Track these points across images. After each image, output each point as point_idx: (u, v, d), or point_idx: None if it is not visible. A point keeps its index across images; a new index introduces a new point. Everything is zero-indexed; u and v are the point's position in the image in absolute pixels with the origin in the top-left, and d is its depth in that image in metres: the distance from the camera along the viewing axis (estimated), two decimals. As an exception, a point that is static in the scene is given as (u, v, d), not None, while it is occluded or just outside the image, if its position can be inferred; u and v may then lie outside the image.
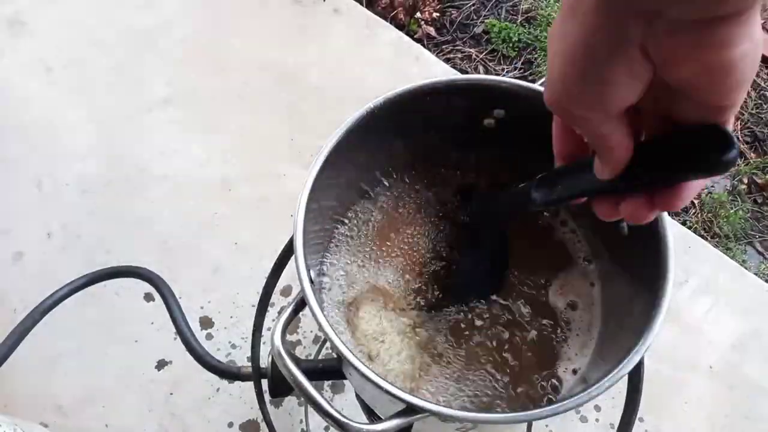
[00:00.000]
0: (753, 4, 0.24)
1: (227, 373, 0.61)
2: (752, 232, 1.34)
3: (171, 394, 0.83)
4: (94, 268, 0.65)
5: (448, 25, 1.57)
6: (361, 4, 1.21)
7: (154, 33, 1.13)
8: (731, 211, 1.34)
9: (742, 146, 1.46)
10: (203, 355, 0.59)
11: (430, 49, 1.25)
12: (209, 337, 0.86)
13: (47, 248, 0.92)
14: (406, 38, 1.15)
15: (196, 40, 1.13)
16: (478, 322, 0.56)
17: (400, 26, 1.47)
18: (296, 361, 0.43)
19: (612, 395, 0.78)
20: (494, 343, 0.56)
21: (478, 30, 1.56)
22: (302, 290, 0.45)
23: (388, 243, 0.60)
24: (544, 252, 0.60)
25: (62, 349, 0.85)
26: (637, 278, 0.50)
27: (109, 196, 0.97)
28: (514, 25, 1.55)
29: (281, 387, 0.53)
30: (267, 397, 0.63)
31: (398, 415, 0.41)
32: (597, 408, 0.83)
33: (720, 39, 0.24)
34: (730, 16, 0.24)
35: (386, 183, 0.62)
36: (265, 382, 0.56)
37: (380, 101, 0.51)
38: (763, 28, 1.42)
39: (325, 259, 0.59)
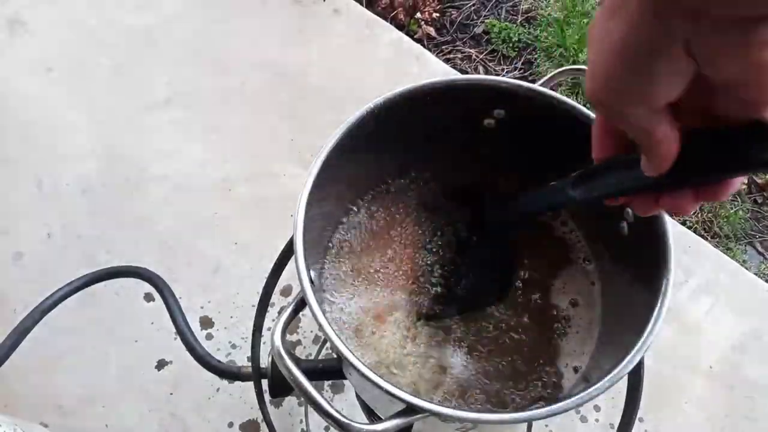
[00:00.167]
0: None
1: (227, 373, 0.61)
2: (752, 232, 1.34)
3: (171, 394, 0.83)
4: (94, 268, 0.65)
5: (448, 26, 1.57)
6: (361, 4, 1.21)
7: (154, 33, 1.13)
8: (731, 211, 1.34)
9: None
10: (203, 355, 0.59)
11: (430, 49, 1.25)
12: (209, 337, 0.86)
13: (47, 248, 0.92)
14: (406, 38, 1.15)
15: (196, 40, 1.13)
16: (479, 321, 0.56)
17: (400, 26, 1.47)
18: (296, 361, 0.43)
19: (612, 395, 0.78)
20: (494, 342, 0.56)
21: (478, 30, 1.56)
22: (302, 290, 0.45)
23: (388, 243, 0.60)
24: (544, 251, 0.60)
25: (62, 349, 0.85)
26: (637, 278, 0.50)
27: (109, 196, 0.97)
28: (514, 25, 1.55)
29: (281, 387, 0.53)
30: (267, 397, 0.63)
31: (398, 415, 0.41)
32: (597, 408, 0.83)
33: (763, 38, 0.25)
34: None
35: (386, 183, 0.62)
36: (265, 382, 0.56)
37: (380, 101, 0.51)
38: None
39: (325, 259, 0.59)
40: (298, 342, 0.87)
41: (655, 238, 0.46)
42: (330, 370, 0.51)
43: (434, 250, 0.59)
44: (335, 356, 0.49)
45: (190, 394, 0.83)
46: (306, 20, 1.16)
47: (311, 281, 0.46)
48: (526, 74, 1.50)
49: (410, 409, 0.41)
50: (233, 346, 0.86)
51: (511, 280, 0.57)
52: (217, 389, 0.83)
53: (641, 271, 0.48)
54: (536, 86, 0.52)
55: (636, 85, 0.28)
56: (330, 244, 0.59)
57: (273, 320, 0.84)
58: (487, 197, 0.57)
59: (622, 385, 0.54)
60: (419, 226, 0.61)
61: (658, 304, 0.44)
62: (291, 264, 0.58)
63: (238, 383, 0.82)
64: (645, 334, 0.43)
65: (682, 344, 0.87)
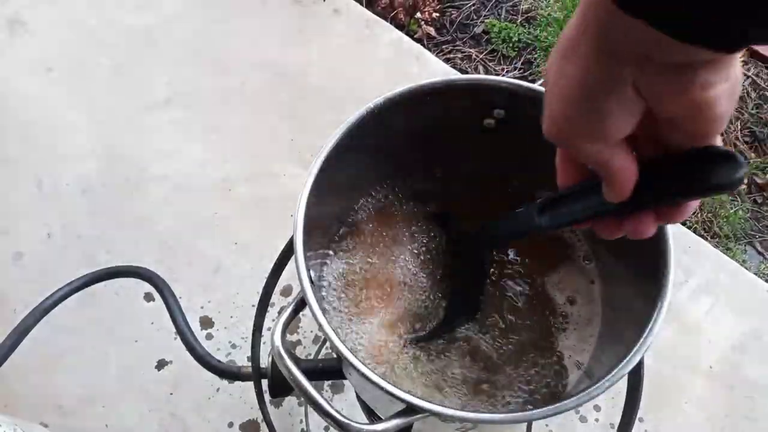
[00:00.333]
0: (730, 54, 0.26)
1: (227, 373, 0.61)
2: (752, 232, 1.34)
3: (171, 394, 0.83)
4: (94, 268, 0.65)
5: (448, 25, 1.57)
6: (361, 4, 1.21)
7: (154, 33, 1.13)
8: (731, 211, 1.34)
9: (741, 146, 1.46)
10: (203, 355, 0.59)
11: (430, 49, 1.25)
12: (209, 337, 0.86)
13: (47, 248, 0.92)
14: (406, 38, 1.15)
15: (196, 40, 1.13)
16: (479, 320, 0.56)
17: (400, 26, 1.47)
18: (296, 361, 0.43)
19: (612, 395, 0.78)
20: (494, 340, 0.56)
21: (478, 30, 1.56)
22: (302, 290, 0.45)
23: (388, 244, 0.60)
24: (544, 250, 0.60)
25: (62, 349, 0.85)
26: (637, 278, 0.50)
27: (109, 196, 0.97)
28: (514, 25, 1.55)
29: (281, 387, 0.53)
30: (267, 397, 0.63)
31: (398, 415, 0.41)
32: (597, 408, 0.83)
33: (701, 81, 0.27)
34: (708, 61, 0.27)
35: (386, 183, 0.62)
36: (265, 382, 0.56)
37: (380, 101, 0.51)
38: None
39: (325, 259, 0.59)
40: (298, 342, 0.87)
41: (655, 238, 0.46)
42: (330, 370, 0.51)
43: (428, 257, 0.59)
44: (335, 356, 0.49)
45: (190, 394, 0.83)
46: (306, 20, 1.16)
47: (311, 281, 0.46)
48: (526, 74, 1.50)
49: (410, 409, 0.41)
50: (233, 346, 0.86)
51: (478, 302, 0.57)
52: (217, 389, 0.83)
53: (641, 270, 0.48)
54: (536, 86, 0.52)
55: (590, 122, 0.30)
56: (330, 244, 0.59)
57: (273, 320, 0.84)
58: (454, 224, 0.57)
59: (622, 385, 0.54)
60: (419, 227, 0.61)
61: (658, 304, 0.44)
62: (291, 264, 0.58)
63: (238, 383, 0.82)
64: (645, 334, 0.43)
65: (682, 344, 0.87)
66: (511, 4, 1.60)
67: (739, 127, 1.48)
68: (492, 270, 0.59)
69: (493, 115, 0.55)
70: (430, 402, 0.41)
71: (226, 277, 0.91)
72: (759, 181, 1.42)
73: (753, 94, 1.54)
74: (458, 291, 0.57)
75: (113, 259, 0.92)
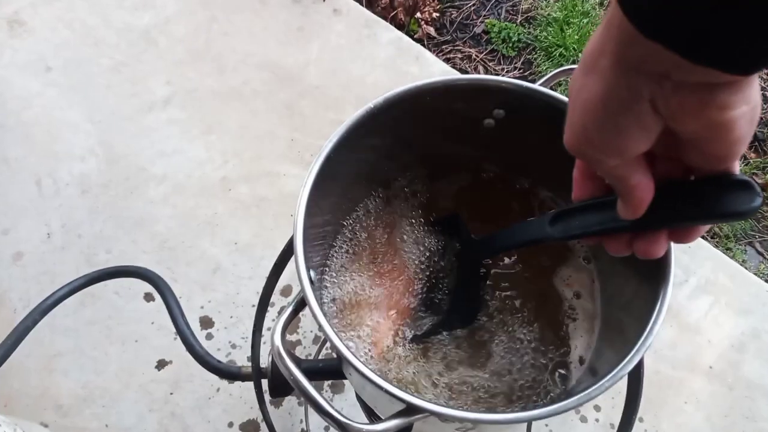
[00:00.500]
0: (749, 76, 0.26)
1: (227, 373, 0.61)
2: (752, 232, 1.34)
3: (171, 394, 0.83)
4: (94, 268, 0.65)
5: (448, 25, 1.57)
6: (361, 4, 1.21)
7: (153, 33, 1.13)
8: (731, 211, 1.33)
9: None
10: (203, 355, 0.59)
11: (430, 49, 1.25)
12: (209, 337, 0.86)
13: (47, 248, 0.92)
14: (406, 38, 1.15)
15: (196, 40, 1.13)
16: (480, 321, 0.56)
17: (400, 26, 1.47)
18: (296, 361, 0.43)
19: (612, 395, 0.78)
20: (494, 339, 0.56)
21: (478, 30, 1.56)
22: (302, 290, 0.45)
23: (388, 244, 0.60)
24: (543, 249, 0.60)
25: (62, 348, 0.85)
26: (637, 278, 0.50)
27: (109, 196, 0.97)
28: (514, 25, 1.55)
29: (281, 387, 0.53)
30: (267, 397, 0.63)
31: (398, 415, 0.41)
32: (597, 408, 0.83)
33: (719, 102, 0.27)
34: (727, 83, 0.27)
35: (386, 183, 0.62)
36: (265, 382, 0.56)
37: (380, 101, 0.51)
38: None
39: (325, 259, 0.59)
40: (298, 342, 0.87)
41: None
42: (330, 370, 0.51)
43: (429, 257, 0.59)
44: (335, 356, 0.49)
45: (190, 394, 0.83)
46: (306, 20, 1.16)
47: (311, 281, 0.46)
48: (526, 74, 1.50)
49: (410, 409, 0.41)
50: (233, 346, 0.86)
51: (478, 307, 0.57)
52: (217, 389, 0.83)
53: (641, 270, 0.48)
54: (536, 86, 0.52)
55: (608, 136, 0.31)
56: (331, 244, 0.59)
57: (273, 320, 0.84)
58: (463, 230, 0.57)
59: (622, 385, 0.54)
60: (418, 227, 0.61)
61: (658, 304, 0.44)
62: (291, 264, 0.58)
63: (238, 383, 0.82)
64: (645, 334, 0.43)
65: (682, 344, 0.87)
66: (511, 4, 1.60)
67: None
68: (493, 270, 0.59)
69: (493, 115, 0.55)
70: (430, 402, 0.41)
71: (226, 277, 0.91)
72: (759, 181, 1.42)
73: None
74: (458, 293, 0.57)
75: (113, 259, 0.92)
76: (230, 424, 0.81)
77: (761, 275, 1.21)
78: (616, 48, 0.28)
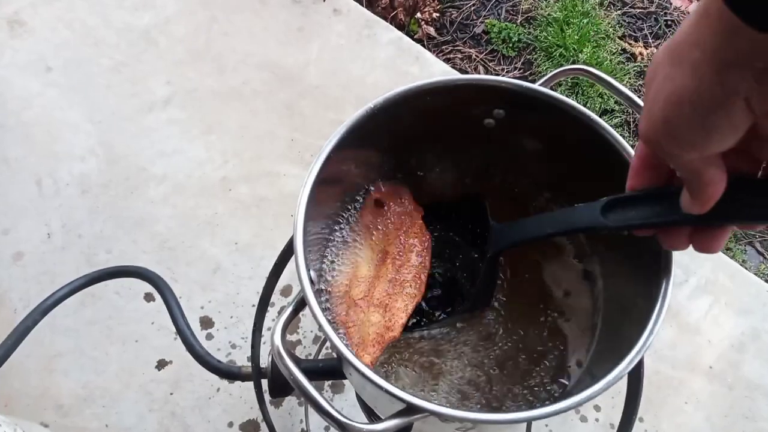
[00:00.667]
0: None
1: (227, 373, 0.61)
2: (752, 232, 1.34)
3: (171, 394, 0.83)
4: (94, 268, 0.65)
5: (448, 25, 1.57)
6: (361, 4, 1.21)
7: (153, 33, 1.13)
8: (731, 211, 1.33)
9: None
10: (203, 355, 0.59)
11: (430, 49, 1.25)
12: (209, 337, 0.86)
13: (47, 248, 0.92)
14: (406, 38, 1.15)
15: (196, 40, 1.13)
16: (480, 320, 0.56)
17: (400, 26, 1.47)
18: (296, 361, 0.43)
19: (612, 395, 0.78)
20: (494, 339, 0.56)
21: (478, 30, 1.56)
22: (302, 290, 0.45)
23: (389, 243, 0.60)
24: (543, 248, 0.60)
25: (62, 348, 0.85)
26: (637, 278, 0.50)
27: (109, 196, 0.97)
28: (514, 25, 1.55)
29: (281, 387, 0.54)
30: (267, 397, 0.63)
31: (398, 415, 0.41)
32: (597, 408, 0.83)
33: None
34: None
35: (386, 183, 0.62)
36: (265, 382, 0.56)
37: (380, 101, 0.51)
38: None
39: (325, 259, 0.59)
40: (298, 342, 0.87)
41: (655, 238, 0.46)
42: (330, 370, 0.51)
43: (428, 257, 0.59)
44: (335, 356, 0.49)
45: (190, 394, 0.83)
46: (306, 20, 1.16)
47: (311, 281, 0.46)
48: (526, 74, 1.50)
49: (410, 409, 0.41)
50: (233, 346, 0.86)
51: (491, 294, 0.56)
52: (217, 389, 0.83)
53: (641, 270, 0.48)
54: (536, 86, 0.52)
55: (693, 132, 0.29)
56: (330, 244, 0.59)
57: (273, 320, 0.84)
58: (488, 210, 0.55)
59: (622, 385, 0.54)
60: (418, 230, 0.61)
61: (658, 304, 0.44)
62: (291, 264, 0.58)
63: (238, 383, 0.82)
64: (645, 334, 0.43)
65: (682, 344, 0.87)
66: (511, 4, 1.60)
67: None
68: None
69: (493, 115, 0.55)
70: (430, 402, 0.41)
71: (226, 277, 0.91)
72: (759, 181, 1.42)
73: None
74: (481, 276, 0.56)
75: (113, 259, 0.92)
76: (230, 424, 0.81)
77: (761, 275, 1.21)
78: (712, 41, 0.27)
